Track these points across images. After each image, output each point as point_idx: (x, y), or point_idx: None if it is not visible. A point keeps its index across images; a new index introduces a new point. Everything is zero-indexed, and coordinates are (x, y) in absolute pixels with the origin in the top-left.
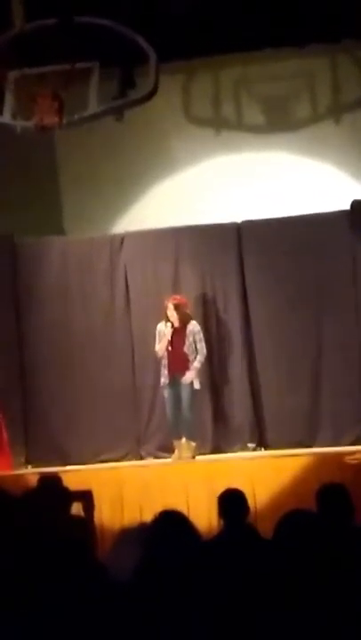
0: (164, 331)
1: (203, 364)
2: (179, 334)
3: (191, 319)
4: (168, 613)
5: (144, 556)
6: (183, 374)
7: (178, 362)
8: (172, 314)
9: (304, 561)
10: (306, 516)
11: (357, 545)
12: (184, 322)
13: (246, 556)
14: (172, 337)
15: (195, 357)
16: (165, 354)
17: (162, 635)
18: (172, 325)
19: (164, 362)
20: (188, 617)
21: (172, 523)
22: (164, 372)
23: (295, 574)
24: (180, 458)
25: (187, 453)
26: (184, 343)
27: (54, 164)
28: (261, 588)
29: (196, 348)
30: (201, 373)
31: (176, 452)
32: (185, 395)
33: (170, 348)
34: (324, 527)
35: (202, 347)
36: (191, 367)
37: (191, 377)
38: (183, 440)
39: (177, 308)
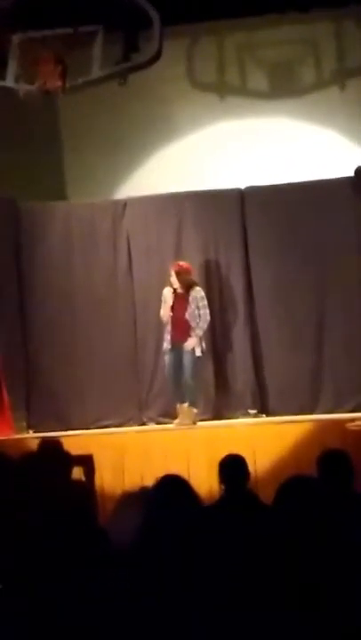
0: (168, 296)
1: (205, 331)
2: (181, 301)
3: (195, 285)
4: (169, 578)
5: (145, 520)
6: (185, 341)
7: (180, 328)
8: (174, 280)
9: (304, 526)
10: (307, 481)
11: (357, 511)
12: (187, 288)
13: (247, 521)
14: (174, 303)
15: (197, 324)
16: (170, 320)
17: (164, 600)
18: (174, 291)
19: (168, 327)
20: (190, 582)
21: (173, 487)
22: (167, 337)
23: (295, 539)
24: (181, 423)
25: (188, 419)
26: (186, 310)
27: (57, 129)
28: (262, 553)
29: (199, 314)
30: (203, 340)
31: (179, 417)
32: (187, 361)
33: (171, 314)
34: (324, 493)
35: (205, 313)
36: (193, 334)
37: (193, 344)
38: (185, 405)
39: (178, 274)
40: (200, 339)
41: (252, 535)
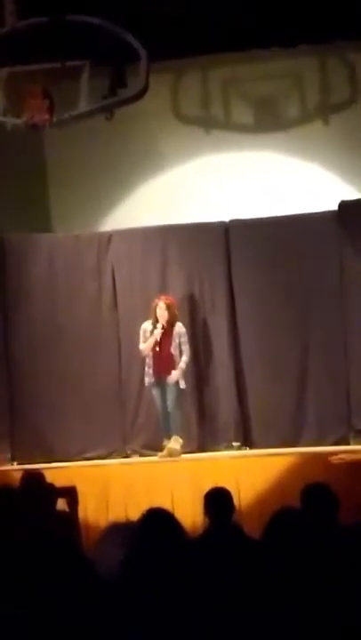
0: (148, 330)
1: (188, 365)
2: (166, 335)
3: (177, 320)
4: (154, 611)
5: (130, 553)
6: (169, 374)
7: (164, 362)
8: (163, 313)
9: (296, 561)
10: (296, 514)
11: (343, 544)
12: (172, 322)
13: (232, 555)
14: (161, 337)
15: (180, 358)
16: (151, 354)
17: (148, 633)
18: (163, 326)
19: (149, 361)
20: (175, 615)
21: (158, 521)
22: (149, 371)
23: (286, 573)
24: (169, 455)
25: (175, 446)
26: (171, 344)
27: (43, 161)
28: (249, 587)
29: (181, 349)
30: (187, 373)
31: (165, 451)
32: (170, 393)
33: (157, 349)
34: (310, 526)
35: (187, 348)
36: (177, 367)
37: (177, 376)
38: (172, 439)
39: (169, 307)
40: (183, 372)
41: (237, 569)
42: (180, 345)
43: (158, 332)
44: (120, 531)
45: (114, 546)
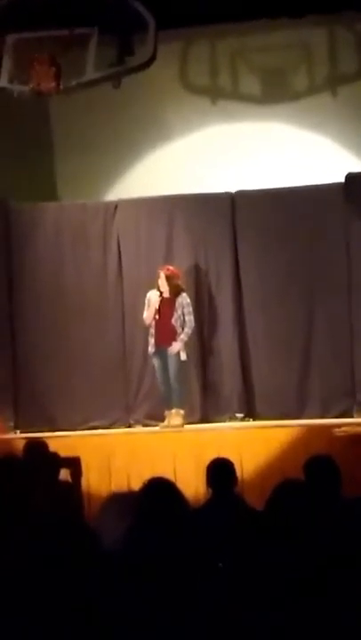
0: (153, 299)
1: (190, 337)
2: (168, 305)
3: (182, 291)
4: (157, 582)
5: (133, 524)
6: (169, 345)
7: (165, 333)
8: (163, 284)
9: (298, 533)
10: (299, 485)
11: (346, 516)
12: (174, 293)
13: (234, 525)
14: (160, 307)
15: (182, 330)
16: (153, 323)
17: (152, 604)
18: (161, 294)
19: (152, 331)
20: (177, 586)
21: (160, 490)
22: (151, 340)
23: (288, 545)
24: (168, 426)
25: (176, 421)
26: (172, 315)
27: (49, 130)
28: (250, 558)
29: (184, 320)
30: (191, 343)
31: (166, 420)
32: (172, 365)
33: (157, 318)
34: (312, 498)
35: (190, 319)
36: (178, 339)
37: (178, 348)
38: (173, 410)
39: (168, 278)
40: (185, 344)
41: (238, 539)
42: (182, 316)
43: (156, 301)
44: (121, 500)
45: (115, 516)
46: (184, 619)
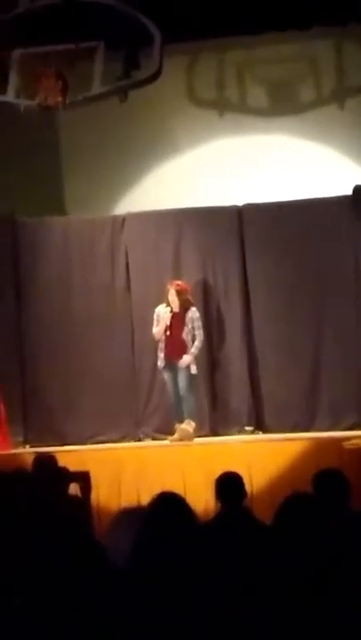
0: (162, 314)
1: (200, 350)
2: (178, 320)
3: (192, 305)
4: (165, 597)
5: (141, 539)
6: (180, 359)
7: (175, 347)
8: (174, 299)
9: (307, 546)
10: (308, 499)
11: (354, 530)
12: (184, 308)
13: (243, 540)
14: (171, 322)
15: (192, 343)
16: (163, 338)
17: (160, 619)
18: (172, 310)
19: (161, 345)
20: (186, 601)
21: (169, 505)
22: (161, 355)
23: (297, 559)
24: (180, 439)
25: (187, 429)
26: (183, 329)
27: (57, 144)
28: (259, 572)
29: (194, 334)
30: (200, 356)
31: (176, 433)
32: (182, 378)
33: (168, 333)
34: (321, 511)
35: (200, 333)
36: (189, 352)
37: (188, 361)
38: (184, 423)
39: (179, 293)
40: (195, 357)
41: (248, 553)
42: (192, 330)
43: (167, 317)
44: (131, 516)
45: (125, 532)
46: (184, 619)
